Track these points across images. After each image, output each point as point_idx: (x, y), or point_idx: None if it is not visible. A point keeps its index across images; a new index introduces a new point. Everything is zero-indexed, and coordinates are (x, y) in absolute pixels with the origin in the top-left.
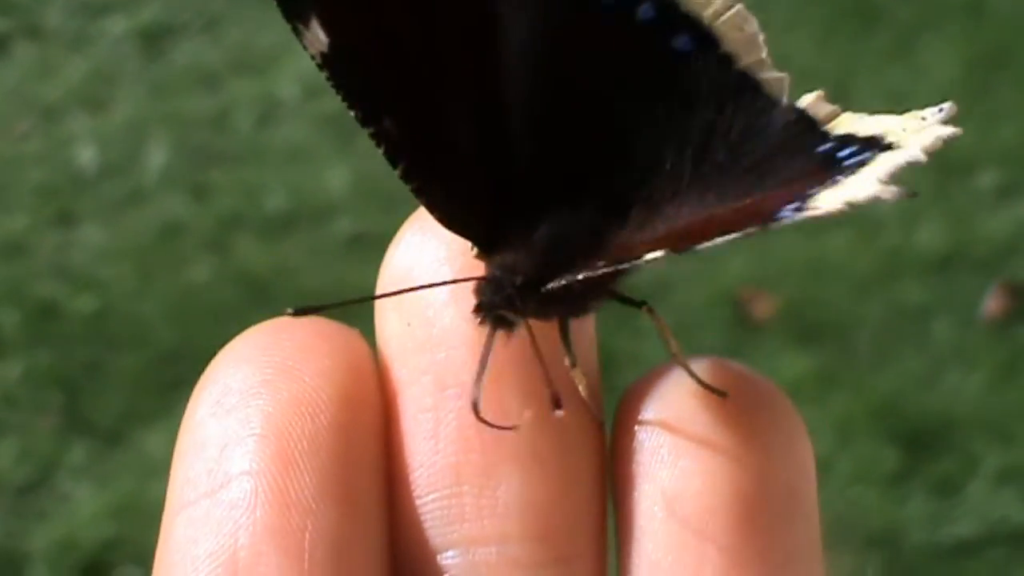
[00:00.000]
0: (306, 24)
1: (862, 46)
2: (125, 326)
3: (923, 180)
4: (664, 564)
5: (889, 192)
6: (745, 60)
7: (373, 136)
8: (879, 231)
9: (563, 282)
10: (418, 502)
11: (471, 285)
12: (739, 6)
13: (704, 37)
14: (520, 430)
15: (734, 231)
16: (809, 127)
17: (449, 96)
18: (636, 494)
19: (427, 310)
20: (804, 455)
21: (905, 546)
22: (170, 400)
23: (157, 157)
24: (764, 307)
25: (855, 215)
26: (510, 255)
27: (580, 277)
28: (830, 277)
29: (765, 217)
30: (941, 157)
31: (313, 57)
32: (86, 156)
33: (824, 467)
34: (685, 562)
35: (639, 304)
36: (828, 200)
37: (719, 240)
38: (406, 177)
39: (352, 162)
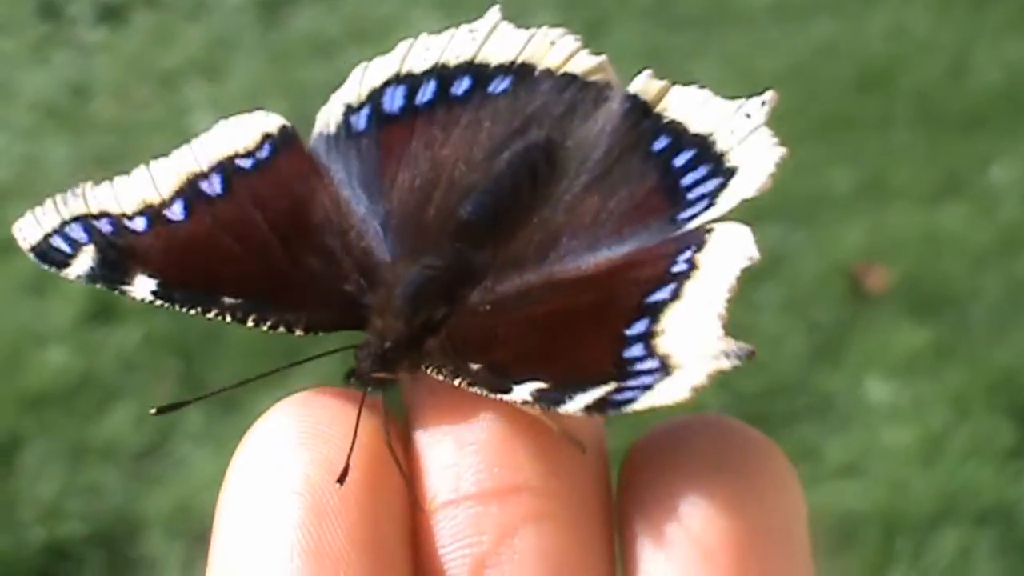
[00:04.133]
0: (130, 283)
1: (981, 17)
2: None
3: None
4: None
5: (729, 362)
6: (555, 64)
7: (219, 315)
8: (997, 204)
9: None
10: (442, 551)
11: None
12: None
13: (518, 70)
14: (533, 489)
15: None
16: (643, 111)
17: (280, 248)
18: (641, 541)
19: (448, 383)
20: (796, 500)
21: (1020, 522)
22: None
23: None
24: (879, 280)
25: (972, 189)
26: (378, 321)
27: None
28: (946, 250)
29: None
30: None
31: (141, 300)
32: (204, 124)
33: (938, 442)
34: None
35: None
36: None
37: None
38: (257, 324)
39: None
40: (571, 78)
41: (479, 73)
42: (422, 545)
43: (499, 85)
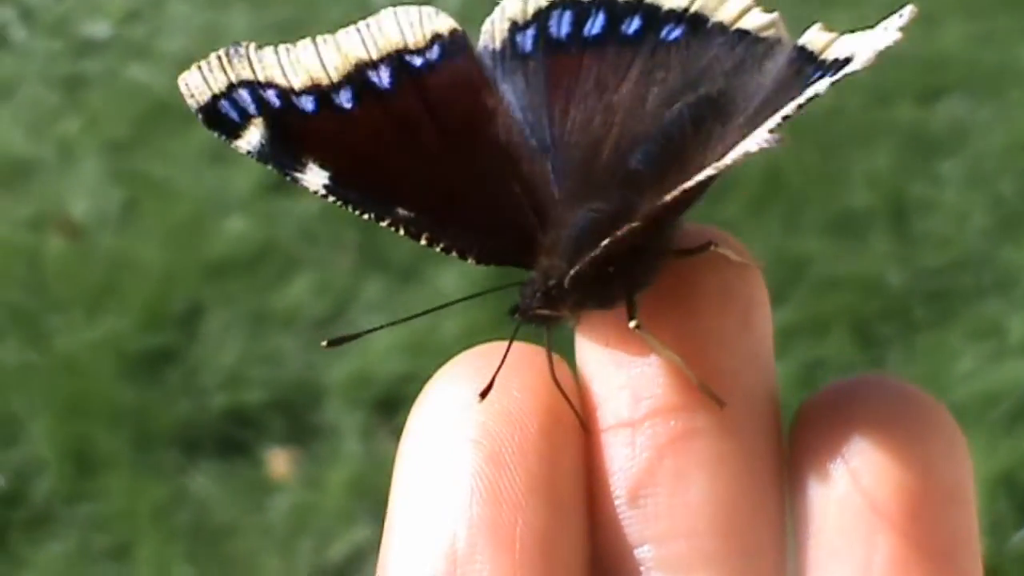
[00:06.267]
0: (303, 171)
1: None
2: None
3: None
4: (839, 550)
5: (767, 142)
6: (729, 19)
7: (390, 225)
8: None
9: (576, 270)
10: (617, 502)
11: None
12: None
13: (691, 20)
14: (706, 436)
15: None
16: (808, 59)
17: (453, 165)
18: (811, 492)
19: (623, 331)
20: (963, 459)
21: None
22: None
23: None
24: None
25: None
26: (545, 260)
27: (585, 262)
28: None
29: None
30: None
31: (315, 192)
32: None
33: None
34: (858, 548)
35: (705, 247)
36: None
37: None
38: (431, 243)
39: None
40: (743, 34)
41: (650, 14)
42: (596, 495)
43: (671, 32)
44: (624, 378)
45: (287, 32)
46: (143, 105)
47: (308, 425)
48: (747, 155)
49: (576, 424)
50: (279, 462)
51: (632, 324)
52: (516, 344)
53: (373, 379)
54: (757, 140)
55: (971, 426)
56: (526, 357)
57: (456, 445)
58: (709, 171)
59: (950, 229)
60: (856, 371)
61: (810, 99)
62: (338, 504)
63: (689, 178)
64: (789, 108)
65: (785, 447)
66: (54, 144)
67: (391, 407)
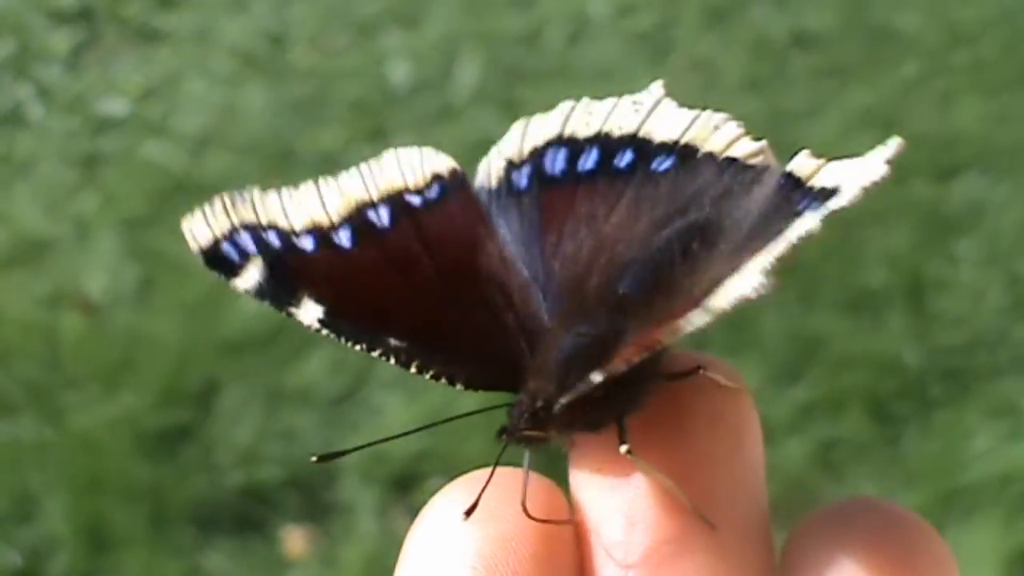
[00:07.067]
0: (297, 306)
1: None
2: None
3: None
4: None
5: (762, 288)
6: (719, 148)
7: (381, 355)
8: None
9: (563, 401)
10: None
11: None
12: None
13: (681, 150)
14: (700, 560)
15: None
16: (796, 185)
17: (445, 296)
18: None
19: (615, 455)
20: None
21: None
22: None
23: (469, 74)
24: None
25: None
26: (532, 383)
27: (567, 400)
28: None
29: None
30: None
31: (310, 326)
32: (399, 72)
33: None
34: None
35: (694, 371)
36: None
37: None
38: (421, 371)
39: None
40: (731, 161)
41: (641, 148)
42: None
43: (662, 164)
44: (617, 502)
45: (303, 110)
46: (159, 183)
47: (324, 503)
48: (740, 299)
49: (571, 548)
50: (295, 540)
51: (623, 448)
52: (512, 470)
53: (388, 457)
54: (751, 284)
55: (987, 505)
56: (520, 481)
57: (452, 571)
58: (699, 314)
59: (966, 308)
60: (872, 449)
61: (802, 237)
62: None
63: (670, 323)
64: (779, 247)
65: (777, 568)
66: (71, 222)
67: (407, 485)
